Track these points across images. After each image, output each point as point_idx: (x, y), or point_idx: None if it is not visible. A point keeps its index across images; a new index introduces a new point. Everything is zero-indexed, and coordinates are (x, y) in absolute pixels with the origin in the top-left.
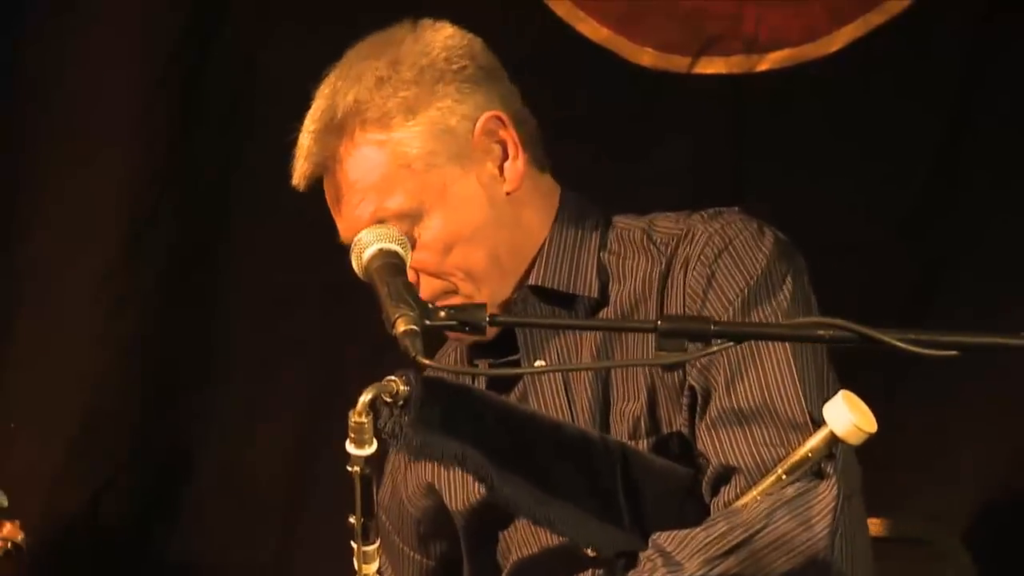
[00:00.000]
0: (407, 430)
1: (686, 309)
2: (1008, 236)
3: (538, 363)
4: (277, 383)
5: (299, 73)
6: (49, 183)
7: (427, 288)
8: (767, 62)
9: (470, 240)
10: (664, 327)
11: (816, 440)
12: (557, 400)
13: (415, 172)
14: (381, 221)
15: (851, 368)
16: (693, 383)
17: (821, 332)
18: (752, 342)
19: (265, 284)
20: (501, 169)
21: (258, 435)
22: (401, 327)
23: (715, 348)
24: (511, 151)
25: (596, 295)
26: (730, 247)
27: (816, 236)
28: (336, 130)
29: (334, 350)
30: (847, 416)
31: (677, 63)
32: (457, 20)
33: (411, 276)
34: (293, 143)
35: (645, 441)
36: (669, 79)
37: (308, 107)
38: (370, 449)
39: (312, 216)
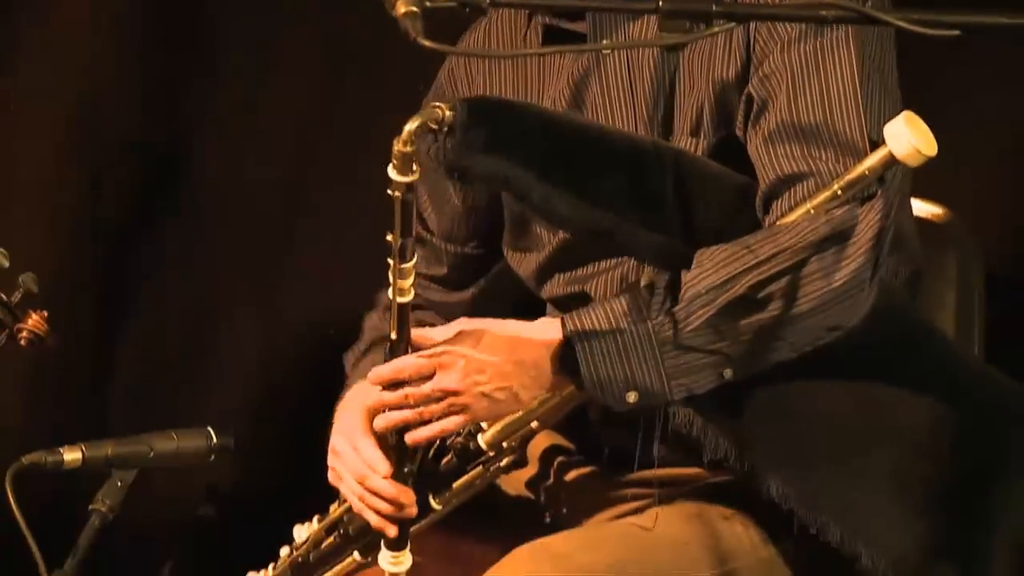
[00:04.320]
0: (451, 155)
1: None
2: None
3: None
4: (276, 77)
5: None
6: None
7: None
8: None
9: None
10: (666, 7)
11: (875, 159)
12: (619, 83)
13: None
14: None
15: None
16: (752, 91)
17: (824, 12)
18: (820, 52)
19: None
20: None
21: (258, 124)
22: (401, 8)
23: (717, 29)
24: None
25: None
26: None
27: None
28: None
29: (334, 55)
30: (907, 138)
31: None
32: None
33: None
34: None
35: (706, 141)
36: None
37: None
38: (413, 176)
39: None
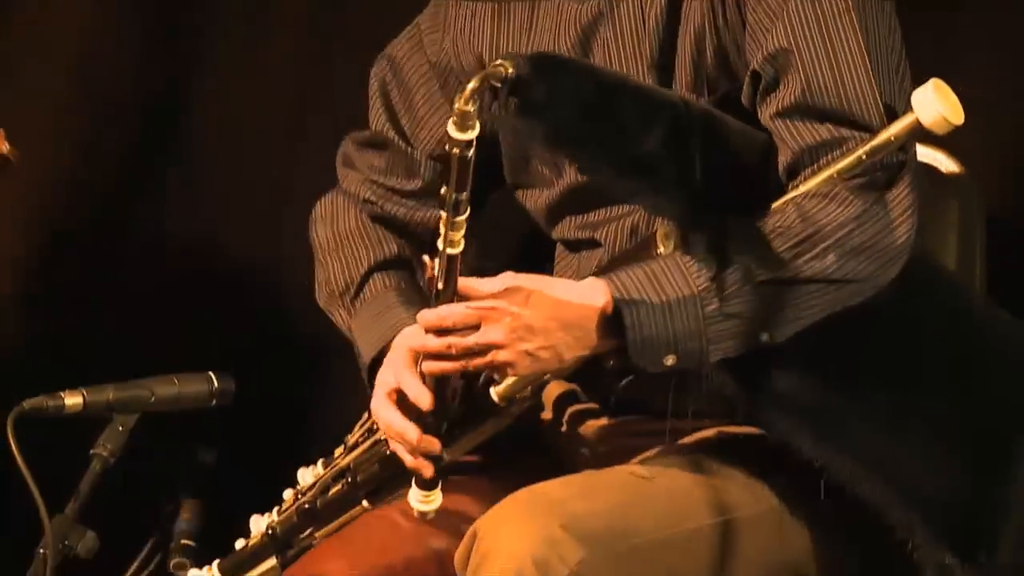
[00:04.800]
0: (518, 112)
1: None
2: None
3: None
4: (274, 34)
5: None
6: None
7: None
8: None
9: None
10: None
11: (901, 126)
12: (631, 28)
13: None
14: None
15: None
16: (759, 69)
17: None
18: (823, 27)
19: None
20: None
21: (257, 61)
22: None
23: None
24: None
25: None
26: None
27: None
28: None
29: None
30: (935, 106)
31: None
32: None
33: None
34: None
35: (711, 96)
36: None
37: None
38: (472, 134)
39: None
